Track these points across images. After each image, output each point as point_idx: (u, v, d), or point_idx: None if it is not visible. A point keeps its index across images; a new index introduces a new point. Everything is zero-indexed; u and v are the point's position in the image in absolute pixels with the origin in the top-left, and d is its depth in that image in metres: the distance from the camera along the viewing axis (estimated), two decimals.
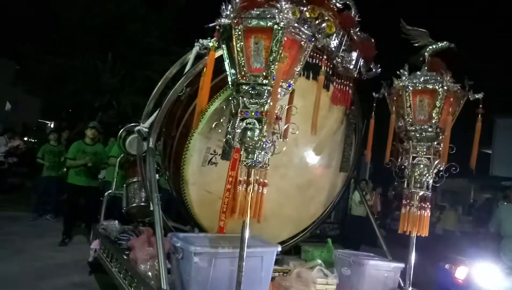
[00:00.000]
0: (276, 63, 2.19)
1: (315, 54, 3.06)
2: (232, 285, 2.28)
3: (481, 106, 2.91)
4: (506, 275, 4.14)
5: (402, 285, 3.22)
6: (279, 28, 2.16)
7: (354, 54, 3.34)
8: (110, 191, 5.06)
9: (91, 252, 4.30)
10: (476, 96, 2.94)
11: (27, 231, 6.99)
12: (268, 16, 2.19)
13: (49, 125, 26.06)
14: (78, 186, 6.46)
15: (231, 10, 2.25)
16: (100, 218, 4.68)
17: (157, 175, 3.40)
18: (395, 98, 3.13)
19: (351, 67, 3.34)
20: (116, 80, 13.86)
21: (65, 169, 8.44)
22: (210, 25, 2.37)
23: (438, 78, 2.94)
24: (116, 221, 4.31)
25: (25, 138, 17.60)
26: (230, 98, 2.43)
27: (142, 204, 4.33)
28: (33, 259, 5.36)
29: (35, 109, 24.44)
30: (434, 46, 3.13)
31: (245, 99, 2.29)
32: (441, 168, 2.99)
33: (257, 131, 2.23)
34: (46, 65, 13.53)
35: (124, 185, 4.59)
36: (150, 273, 2.85)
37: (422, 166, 3.01)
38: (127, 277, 3.11)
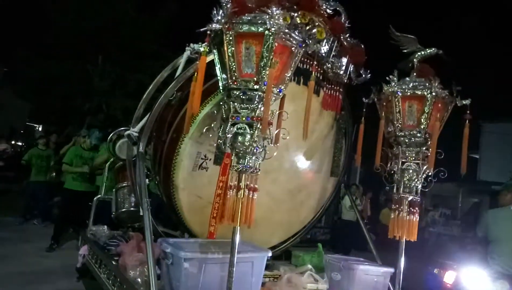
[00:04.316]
0: (267, 69, 2.20)
1: (305, 60, 3.08)
2: None
3: (468, 112, 2.96)
4: (494, 280, 4.18)
5: (392, 289, 3.23)
6: (270, 33, 2.17)
7: (344, 60, 3.37)
8: (99, 195, 5.01)
9: (80, 257, 4.24)
10: (464, 102, 2.99)
11: (14, 236, 6.89)
12: (259, 22, 2.20)
13: (37, 128, 25.71)
14: (76, 191, 6.40)
15: (222, 15, 2.25)
16: (88, 223, 4.62)
17: (147, 180, 3.38)
18: (384, 103, 3.16)
19: (341, 72, 3.37)
20: (106, 84, 13.77)
21: (54, 174, 8.37)
22: (201, 29, 2.37)
23: (427, 84, 2.98)
24: (105, 226, 4.26)
25: (13, 142, 17.34)
26: (221, 103, 2.43)
27: (132, 209, 4.28)
28: (20, 265, 5.28)
29: (23, 112, 24.10)
30: (422, 52, 3.17)
31: (236, 104, 2.29)
32: (430, 173, 3.03)
33: (248, 136, 2.23)
34: (35, 68, 13.37)
35: (114, 189, 4.55)
36: (139, 279, 2.82)
37: (411, 171, 3.03)
38: (116, 283, 3.07)
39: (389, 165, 3.14)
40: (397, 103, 3.02)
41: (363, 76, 3.51)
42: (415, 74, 3.11)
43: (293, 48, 2.34)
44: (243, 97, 2.27)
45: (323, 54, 3.18)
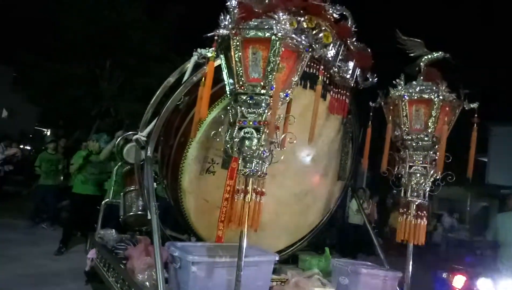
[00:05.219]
0: (274, 73, 2.21)
1: (312, 64, 3.09)
2: None
3: (476, 115, 2.94)
4: (503, 284, 4.14)
5: None
6: (277, 38, 2.19)
7: (351, 64, 3.38)
8: (107, 199, 5.05)
9: (88, 261, 4.26)
10: (472, 106, 2.97)
11: (23, 239, 6.96)
12: (266, 27, 2.22)
13: (45, 132, 25.99)
14: (84, 195, 6.46)
15: (230, 20, 2.28)
16: (96, 227, 4.65)
17: (154, 184, 3.40)
18: (391, 107, 3.16)
19: (348, 76, 3.38)
20: (114, 88, 13.89)
21: (61, 177, 8.45)
22: (209, 35, 2.40)
23: (434, 87, 2.97)
24: (113, 230, 4.29)
25: (21, 146, 17.54)
26: (228, 107, 2.45)
27: (140, 213, 4.31)
28: (29, 267, 5.33)
29: (32, 116, 24.36)
30: (429, 56, 3.16)
31: (243, 108, 2.30)
32: (438, 177, 3.01)
33: (255, 141, 2.25)
34: (44, 72, 13.52)
35: (122, 193, 4.58)
36: (147, 283, 2.84)
37: (418, 175, 3.02)
38: (124, 286, 3.09)
39: (396, 169, 3.13)
40: (404, 107, 3.02)
41: (370, 80, 3.51)
42: (422, 78, 3.10)
43: (299, 53, 2.36)
44: (250, 102, 2.29)
45: (330, 58, 3.19)
